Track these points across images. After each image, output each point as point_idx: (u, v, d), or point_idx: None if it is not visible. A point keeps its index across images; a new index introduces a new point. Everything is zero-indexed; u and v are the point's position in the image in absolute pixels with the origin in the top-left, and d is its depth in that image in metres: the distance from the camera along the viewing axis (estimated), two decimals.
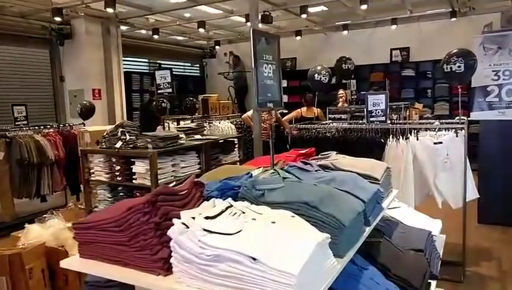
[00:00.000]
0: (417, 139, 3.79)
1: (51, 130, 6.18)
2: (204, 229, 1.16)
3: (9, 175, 5.75)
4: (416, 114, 7.58)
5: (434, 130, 3.84)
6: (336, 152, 2.18)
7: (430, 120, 4.73)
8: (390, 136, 3.78)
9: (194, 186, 1.47)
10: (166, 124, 6.29)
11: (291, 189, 1.48)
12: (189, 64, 13.53)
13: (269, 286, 1.05)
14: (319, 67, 5.12)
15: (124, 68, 9.95)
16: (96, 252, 1.39)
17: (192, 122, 7.19)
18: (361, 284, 1.49)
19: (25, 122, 6.11)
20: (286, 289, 1.02)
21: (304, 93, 7.92)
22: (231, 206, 1.30)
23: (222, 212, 1.25)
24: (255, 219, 1.20)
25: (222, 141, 5.11)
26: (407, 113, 7.02)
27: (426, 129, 3.92)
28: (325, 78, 5.05)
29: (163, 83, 5.62)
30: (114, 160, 4.23)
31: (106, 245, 1.36)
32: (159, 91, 5.73)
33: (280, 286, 1.03)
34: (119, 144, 4.19)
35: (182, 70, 13.25)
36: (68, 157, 5.97)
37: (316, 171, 1.85)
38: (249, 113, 7.70)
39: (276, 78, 2.16)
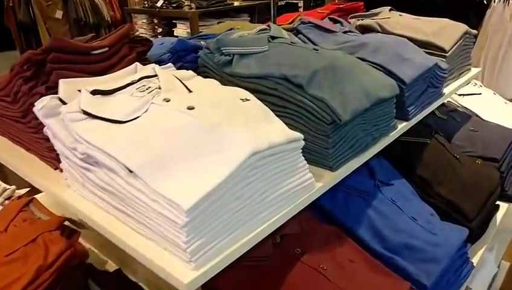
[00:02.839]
0: None
1: None
2: (84, 112, 0.69)
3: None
4: None
5: None
6: (389, 8, 1.47)
7: None
8: None
9: (124, 44, 0.97)
10: None
11: (274, 55, 0.91)
12: None
13: (154, 219, 0.59)
14: None
15: None
16: (4, 129, 1.02)
17: None
18: (371, 209, 0.98)
19: None
20: (174, 229, 0.56)
21: None
22: (150, 76, 0.80)
23: (128, 85, 0.76)
24: (168, 101, 0.70)
25: (283, 1, 4.34)
26: None
27: None
28: None
29: None
30: (156, 21, 3.81)
31: (7, 121, 0.98)
32: None
33: (168, 224, 0.57)
34: (160, 2, 3.69)
35: None
36: (124, 19, 5.71)
37: (344, 32, 1.22)
38: None
39: None
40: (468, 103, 1.63)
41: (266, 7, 4.01)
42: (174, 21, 3.66)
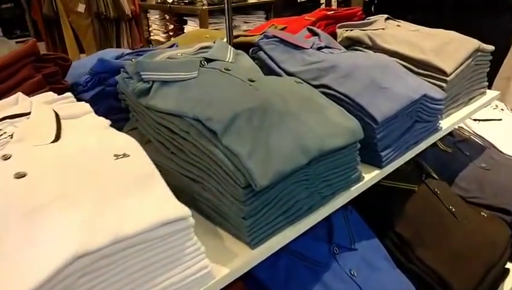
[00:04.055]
0: None
1: None
2: None
3: (93, 29, 5.71)
4: None
5: None
6: (386, 16, 1.23)
7: None
8: None
9: (27, 64, 0.79)
10: None
11: (198, 86, 0.71)
12: None
13: None
14: None
15: None
16: None
17: None
18: (319, 286, 0.76)
19: None
20: None
21: None
22: (20, 115, 0.62)
23: None
24: (7, 159, 0.52)
25: None
26: None
27: None
28: None
29: None
30: (167, 17, 3.66)
31: None
32: None
33: None
34: None
35: None
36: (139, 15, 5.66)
37: (318, 49, 1.00)
38: None
39: None
40: (483, 131, 1.36)
41: (283, 4, 3.77)
42: (185, 18, 3.49)
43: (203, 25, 3.23)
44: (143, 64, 0.75)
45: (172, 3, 3.48)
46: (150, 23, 3.92)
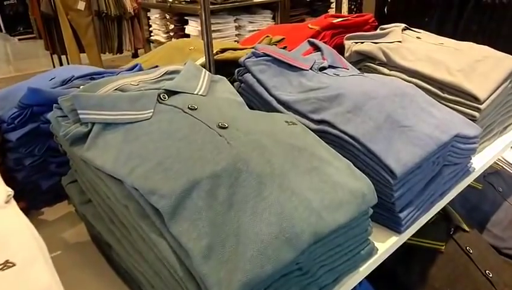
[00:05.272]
0: None
1: None
2: None
3: (94, 27, 5.56)
4: None
5: None
6: (403, 26, 1.02)
7: None
8: None
9: None
10: None
11: (148, 134, 0.52)
12: None
13: None
14: None
15: None
16: None
17: None
18: None
19: None
20: None
21: None
22: None
23: None
24: None
25: None
26: None
27: None
28: None
29: None
30: (168, 17, 3.48)
31: None
32: None
33: None
34: None
35: None
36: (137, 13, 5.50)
37: (320, 69, 0.80)
38: None
39: None
40: None
41: (292, 3, 3.56)
42: (186, 17, 3.30)
43: (204, 24, 3.03)
44: (81, 98, 0.56)
45: (173, 2, 3.29)
46: (150, 23, 3.74)
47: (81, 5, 5.48)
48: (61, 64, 5.47)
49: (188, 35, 3.32)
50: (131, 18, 5.58)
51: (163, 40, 3.60)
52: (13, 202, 0.44)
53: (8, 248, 0.37)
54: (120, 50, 5.72)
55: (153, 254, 0.43)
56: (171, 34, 3.47)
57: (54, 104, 0.59)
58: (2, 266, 0.35)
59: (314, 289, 0.51)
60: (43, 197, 0.71)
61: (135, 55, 5.81)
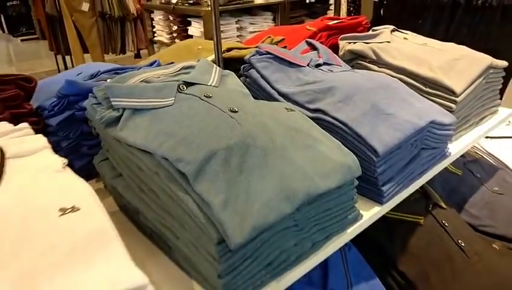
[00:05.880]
0: None
1: None
2: None
3: (97, 28, 5.64)
4: None
5: None
6: (392, 27, 1.13)
7: None
8: None
9: None
10: None
11: (173, 116, 0.63)
12: None
13: None
14: None
15: None
16: None
17: None
18: None
19: None
20: None
21: None
22: None
23: None
24: None
25: None
26: None
27: None
28: None
29: None
30: (171, 18, 3.59)
31: None
32: None
33: None
34: None
35: None
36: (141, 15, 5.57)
37: (316, 66, 0.91)
38: None
39: None
40: (496, 149, 1.26)
41: (292, 5, 3.67)
42: (189, 19, 3.41)
43: (207, 26, 3.15)
44: (113, 88, 0.67)
45: (176, 3, 3.40)
46: (153, 24, 3.85)
47: (85, 7, 5.57)
48: (65, 64, 5.57)
49: (190, 36, 3.43)
50: (134, 19, 5.65)
51: (166, 40, 3.72)
52: (68, 168, 0.55)
53: (73, 197, 0.48)
54: (123, 51, 5.80)
55: (181, 208, 0.55)
56: (174, 35, 3.58)
57: (90, 94, 0.71)
58: (70, 209, 0.46)
59: (308, 243, 0.62)
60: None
61: (137, 56, 5.91)
